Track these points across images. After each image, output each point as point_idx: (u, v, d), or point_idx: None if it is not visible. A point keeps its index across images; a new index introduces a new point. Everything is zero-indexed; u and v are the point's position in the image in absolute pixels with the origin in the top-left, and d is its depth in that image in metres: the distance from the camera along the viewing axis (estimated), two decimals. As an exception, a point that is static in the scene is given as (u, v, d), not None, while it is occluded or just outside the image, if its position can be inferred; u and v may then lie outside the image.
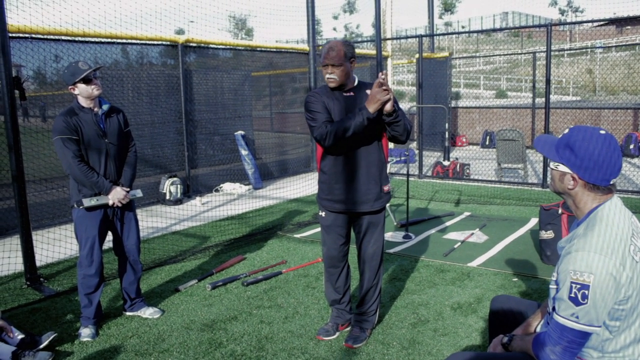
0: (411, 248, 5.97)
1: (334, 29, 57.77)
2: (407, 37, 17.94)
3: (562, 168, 2.14)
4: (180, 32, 10.76)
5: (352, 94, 3.53)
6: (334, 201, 3.64)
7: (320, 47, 10.55)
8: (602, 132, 2.09)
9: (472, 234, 6.42)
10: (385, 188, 3.68)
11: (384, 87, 3.24)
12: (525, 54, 27.09)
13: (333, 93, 3.53)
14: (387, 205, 4.49)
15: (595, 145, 2.05)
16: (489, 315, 2.81)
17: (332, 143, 3.40)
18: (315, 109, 3.49)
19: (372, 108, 3.26)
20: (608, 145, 2.05)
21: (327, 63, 3.42)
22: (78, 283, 4.06)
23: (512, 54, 32.17)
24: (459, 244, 6.03)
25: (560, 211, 5.22)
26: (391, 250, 5.84)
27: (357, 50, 13.18)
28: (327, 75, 3.46)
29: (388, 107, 3.27)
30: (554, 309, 2.06)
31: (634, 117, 13.83)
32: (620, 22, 32.02)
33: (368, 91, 3.46)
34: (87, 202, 3.91)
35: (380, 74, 3.27)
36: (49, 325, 4.21)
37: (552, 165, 2.20)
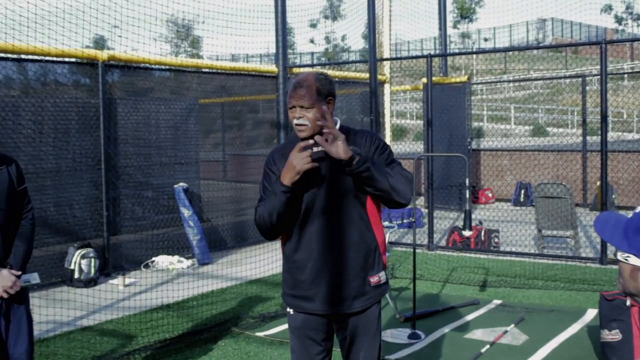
0: (420, 353, 5.94)
1: (312, 41, 58.99)
2: (411, 58, 18.34)
3: (634, 261, 2.14)
4: (100, 42, 10.84)
5: None
6: (301, 298, 3.57)
7: (293, 74, 10.47)
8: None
9: (506, 332, 6.41)
10: (373, 279, 3.55)
11: (306, 147, 3.22)
12: (571, 77, 27.71)
13: None
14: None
15: (681, 230, 2.06)
16: None
17: (264, 234, 3.46)
18: (264, 179, 3.50)
19: (285, 179, 3.22)
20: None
21: (294, 104, 3.32)
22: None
23: (553, 78, 32.91)
24: (487, 347, 6.02)
25: (629, 302, 5.23)
26: (392, 357, 5.79)
27: (344, 73, 13.41)
28: (295, 121, 3.33)
29: (341, 153, 3.16)
30: None
31: None
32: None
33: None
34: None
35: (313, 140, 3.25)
36: None
37: (620, 256, 2.19)
